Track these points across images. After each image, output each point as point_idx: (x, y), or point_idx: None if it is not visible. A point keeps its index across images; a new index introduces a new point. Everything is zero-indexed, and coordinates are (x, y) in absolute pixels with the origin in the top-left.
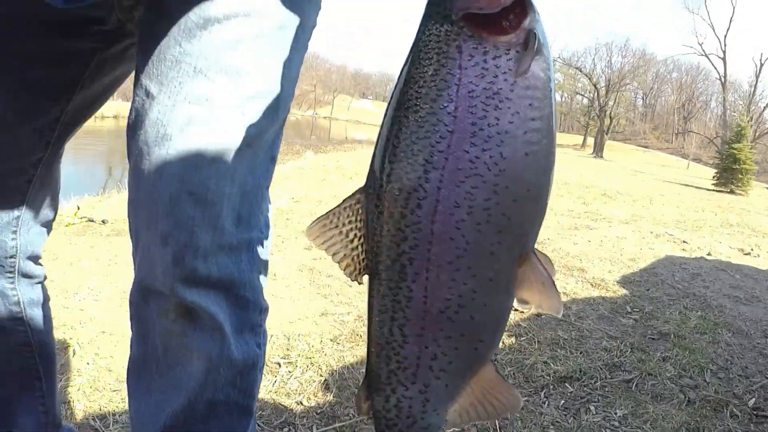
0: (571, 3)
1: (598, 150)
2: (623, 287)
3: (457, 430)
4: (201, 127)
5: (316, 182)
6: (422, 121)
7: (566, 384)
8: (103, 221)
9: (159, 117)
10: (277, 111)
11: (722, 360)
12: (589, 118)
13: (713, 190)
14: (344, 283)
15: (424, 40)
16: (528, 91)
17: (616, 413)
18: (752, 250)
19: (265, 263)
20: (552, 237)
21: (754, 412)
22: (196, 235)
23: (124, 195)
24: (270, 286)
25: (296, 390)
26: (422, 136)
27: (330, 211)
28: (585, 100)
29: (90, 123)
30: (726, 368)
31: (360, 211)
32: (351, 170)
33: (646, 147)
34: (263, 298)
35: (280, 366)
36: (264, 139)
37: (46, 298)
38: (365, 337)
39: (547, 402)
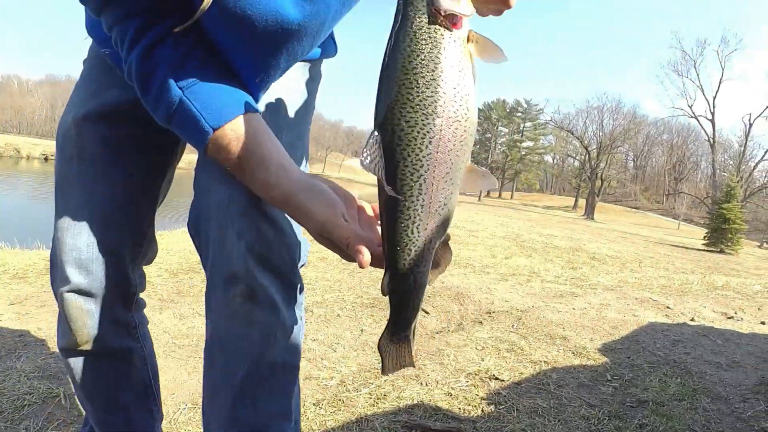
0: (563, 63)
1: (590, 212)
2: (604, 355)
3: None
4: None
5: (308, 238)
6: (428, 83)
7: None
8: None
9: None
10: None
11: (699, 426)
12: (581, 180)
13: (703, 250)
14: (328, 347)
15: (416, 25)
16: (469, 65)
17: None
18: (735, 313)
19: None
20: (537, 305)
21: None
22: (263, 232)
23: None
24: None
25: None
26: (429, 95)
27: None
28: (576, 163)
29: None
30: None
31: (379, 147)
32: None
33: (637, 208)
34: (300, 278)
35: None
36: None
37: (147, 320)
38: (347, 402)
39: None
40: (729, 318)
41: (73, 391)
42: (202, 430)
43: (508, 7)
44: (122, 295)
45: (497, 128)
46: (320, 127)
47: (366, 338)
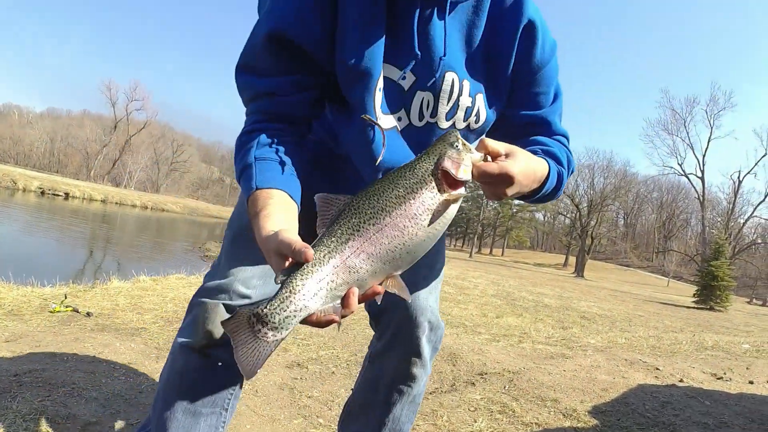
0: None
1: (580, 269)
2: (594, 417)
3: None
4: None
5: None
6: (396, 197)
7: None
8: (87, 313)
9: None
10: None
11: None
12: (571, 238)
13: (693, 308)
14: (324, 405)
15: (415, 166)
16: (436, 217)
17: None
18: (725, 374)
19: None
20: (528, 367)
21: None
22: (433, 323)
23: (108, 286)
24: (250, 403)
25: None
26: (387, 205)
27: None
28: (567, 220)
29: (77, 204)
30: None
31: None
32: None
33: (627, 266)
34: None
35: None
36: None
37: None
38: None
39: None
40: (718, 378)
41: (160, 385)
42: None
43: (499, 199)
44: None
45: None
46: None
47: None
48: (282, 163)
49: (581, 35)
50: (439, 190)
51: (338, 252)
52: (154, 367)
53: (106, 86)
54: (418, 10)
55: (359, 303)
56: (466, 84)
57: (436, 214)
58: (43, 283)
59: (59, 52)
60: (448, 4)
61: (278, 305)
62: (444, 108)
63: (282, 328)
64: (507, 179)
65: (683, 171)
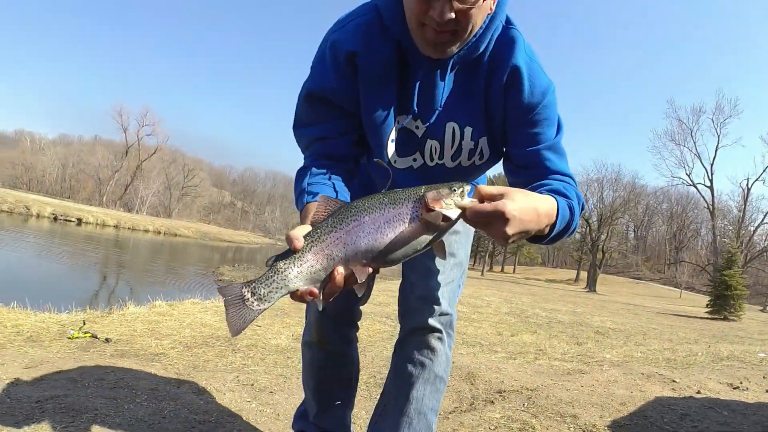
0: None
1: (592, 284)
2: None
3: None
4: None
5: None
6: (381, 206)
7: None
8: (106, 339)
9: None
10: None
11: None
12: (582, 253)
13: (707, 318)
14: None
15: (408, 190)
16: (409, 230)
17: None
18: (741, 383)
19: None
20: (546, 383)
21: None
22: (439, 299)
23: (125, 312)
24: (273, 426)
25: None
26: (376, 217)
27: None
28: (577, 235)
29: (91, 229)
30: None
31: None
32: None
33: (638, 279)
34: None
35: None
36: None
37: (357, 339)
38: None
39: None
40: (735, 388)
41: (302, 372)
42: None
43: (506, 242)
44: (351, 321)
45: None
46: None
47: None
48: (330, 184)
49: (586, 49)
50: (417, 211)
51: (320, 242)
52: (175, 392)
53: (117, 112)
54: (421, 73)
55: (343, 285)
56: (468, 130)
57: (409, 228)
58: (60, 309)
59: (70, 78)
60: (449, 66)
61: (264, 281)
62: (449, 152)
63: (266, 300)
64: (500, 216)
65: (692, 181)
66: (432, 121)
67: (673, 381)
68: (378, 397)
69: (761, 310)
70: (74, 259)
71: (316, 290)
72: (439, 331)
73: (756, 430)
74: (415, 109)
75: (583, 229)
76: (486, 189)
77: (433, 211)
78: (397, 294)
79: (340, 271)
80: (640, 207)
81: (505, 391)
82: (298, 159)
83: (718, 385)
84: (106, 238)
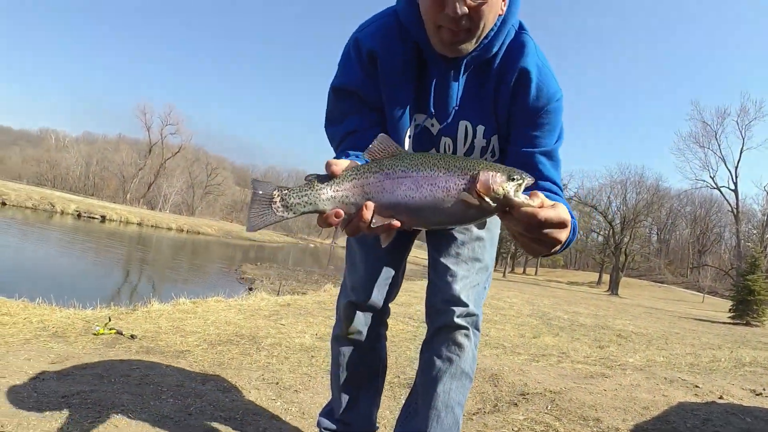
0: (587, 136)
1: (614, 287)
2: None
3: None
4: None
5: None
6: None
7: None
8: (132, 336)
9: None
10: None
11: None
12: (605, 256)
13: (729, 323)
14: None
15: (470, 158)
16: (449, 201)
17: None
18: (764, 390)
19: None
20: (569, 386)
21: None
22: (465, 301)
23: (149, 309)
24: (298, 424)
25: None
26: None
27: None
28: (600, 238)
29: (115, 227)
30: None
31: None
32: None
33: (661, 282)
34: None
35: None
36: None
37: (386, 335)
38: None
39: None
40: (757, 395)
41: (330, 369)
42: None
43: (539, 253)
44: (381, 316)
45: None
46: None
47: None
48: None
49: (609, 51)
50: (465, 186)
51: (362, 177)
52: (201, 389)
53: (141, 111)
54: (437, 74)
55: (370, 225)
56: (480, 129)
57: (449, 199)
58: (85, 305)
59: (95, 77)
60: (463, 66)
61: (297, 192)
62: (462, 149)
63: (291, 210)
64: (564, 225)
65: (716, 184)
66: (447, 119)
67: (696, 386)
68: (402, 398)
69: None
70: (98, 256)
71: (342, 212)
72: (466, 328)
73: None
74: (432, 110)
75: (606, 232)
76: (545, 199)
77: (480, 196)
78: (419, 295)
79: (370, 207)
80: (664, 210)
81: (528, 394)
82: (320, 159)
83: (741, 391)
84: (129, 235)
